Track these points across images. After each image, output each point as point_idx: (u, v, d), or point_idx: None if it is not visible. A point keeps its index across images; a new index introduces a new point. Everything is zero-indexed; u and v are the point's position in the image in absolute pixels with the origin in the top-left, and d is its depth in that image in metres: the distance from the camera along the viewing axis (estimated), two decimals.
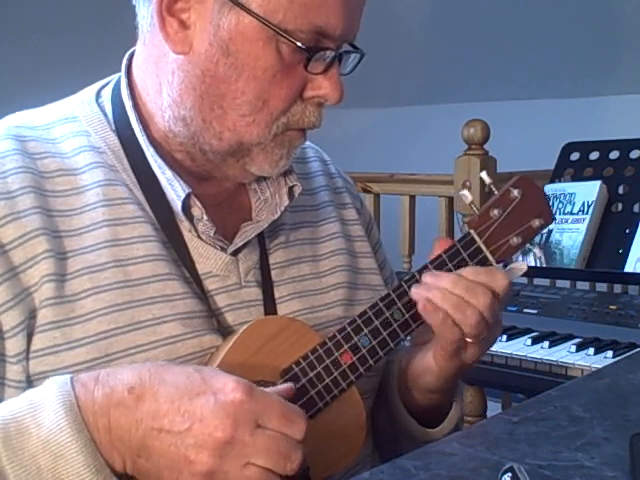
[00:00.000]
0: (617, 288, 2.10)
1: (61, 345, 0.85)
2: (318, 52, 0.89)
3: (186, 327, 0.90)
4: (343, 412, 0.93)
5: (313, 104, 0.92)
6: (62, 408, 0.76)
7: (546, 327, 1.81)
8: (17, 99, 1.51)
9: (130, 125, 0.96)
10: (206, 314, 0.92)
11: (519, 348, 1.73)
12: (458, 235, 2.50)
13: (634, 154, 2.08)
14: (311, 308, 1.01)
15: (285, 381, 0.89)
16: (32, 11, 3.67)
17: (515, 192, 0.99)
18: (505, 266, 1.00)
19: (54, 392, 0.77)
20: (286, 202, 0.99)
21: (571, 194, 2.09)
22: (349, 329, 0.93)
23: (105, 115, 0.98)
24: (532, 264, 2.03)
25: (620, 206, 2.05)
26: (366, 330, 0.94)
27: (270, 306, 0.97)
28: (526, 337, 1.76)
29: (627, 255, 1.92)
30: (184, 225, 0.94)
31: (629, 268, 1.91)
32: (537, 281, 2.18)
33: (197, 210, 0.94)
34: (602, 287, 2.12)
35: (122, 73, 0.99)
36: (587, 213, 2.04)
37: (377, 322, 0.94)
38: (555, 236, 2.06)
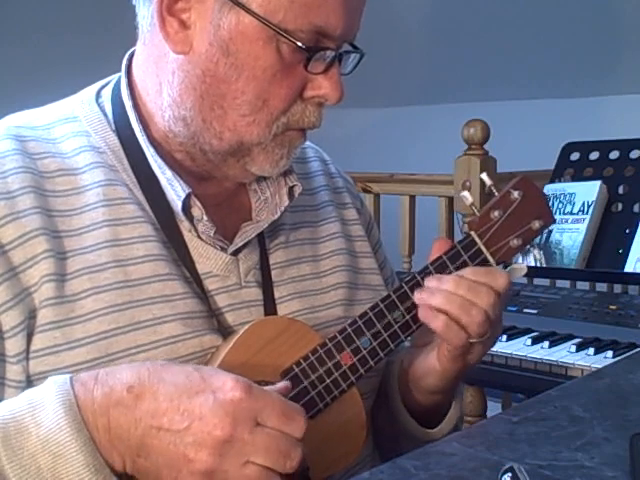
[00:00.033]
0: (617, 288, 2.10)
1: (61, 345, 0.85)
2: (318, 52, 0.89)
3: (186, 327, 0.90)
4: (343, 412, 0.93)
5: (313, 104, 0.92)
6: (61, 407, 0.76)
7: (546, 327, 1.81)
8: (17, 99, 1.51)
9: (130, 125, 0.96)
10: (206, 314, 0.92)
11: (519, 348, 1.73)
12: (458, 235, 2.50)
13: (634, 154, 2.08)
14: (311, 308, 1.01)
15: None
16: (32, 11, 3.67)
17: (515, 194, 0.99)
18: (505, 267, 1.00)
19: (53, 391, 0.77)
20: (286, 202, 0.99)
21: (571, 194, 2.09)
22: (350, 330, 0.93)
23: (105, 115, 0.98)
24: (532, 264, 2.03)
25: (620, 206, 2.05)
26: (367, 331, 0.94)
27: (270, 306, 0.97)
28: (526, 337, 1.76)
29: (627, 255, 1.92)
30: (184, 225, 0.94)
31: (629, 268, 1.91)
32: (537, 281, 2.18)
33: (197, 210, 0.94)
34: (602, 287, 2.12)
35: (122, 73, 0.99)
36: (587, 213, 2.04)
37: (378, 323, 0.94)
38: (555, 236, 2.06)
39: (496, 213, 0.98)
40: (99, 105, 0.99)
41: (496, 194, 1.00)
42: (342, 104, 0.94)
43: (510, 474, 0.69)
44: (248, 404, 0.76)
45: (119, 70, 1.00)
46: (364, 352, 0.93)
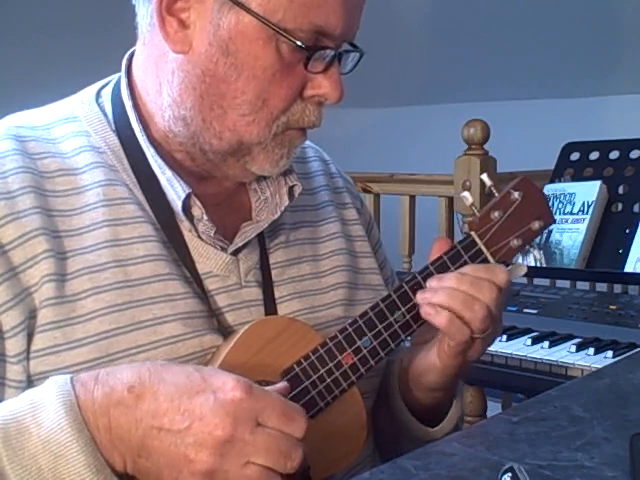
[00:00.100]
0: (617, 288, 2.10)
1: (62, 345, 0.85)
2: (318, 51, 0.89)
3: (187, 327, 0.90)
4: (344, 412, 0.93)
5: (313, 103, 0.92)
6: (62, 408, 0.76)
7: (546, 327, 1.81)
8: (17, 99, 1.51)
9: (130, 125, 0.96)
10: (206, 314, 0.92)
11: (519, 348, 1.73)
12: (458, 235, 2.50)
13: (634, 154, 2.08)
14: (311, 308, 1.01)
15: (286, 381, 0.89)
16: (32, 11, 3.67)
17: (515, 194, 0.99)
18: (507, 267, 1.00)
19: (54, 392, 0.77)
20: (286, 202, 0.99)
21: (571, 194, 2.09)
22: (350, 330, 0.93)
23: (105, 115, 0.98)
24: (532, 264, 2.03)
25: (620, 206, 2.05)
26: (367, 331, 0.94)
27: (270, 306, 0.97)
28: (526, 337, 1.76)
29: (627, 255, 1.92)
30: (184, 225, 0.94)
31: (629, 268, 1.91)
32: (537, 281, 2.18)
33: (197, 210, 0.94)
34: (602, 287, 2.12)
35: (122, 73, 0.99)
36: (587, 213, 2.04)
37: (378, 323, 0.94)
38: (555, 236, 2.06)
39: (496, 213, 0.98)
40: (99, 105, 0.99)
41: (496, 195, 1.00)
42: (342, 104, 0.94)
43: (510, 474, 0.69)
44: (249, 404, 0.76)
45: (119, 70, 1.00)
46: (365, 351, 0.93)
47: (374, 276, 1.11)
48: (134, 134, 0.95)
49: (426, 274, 0.96)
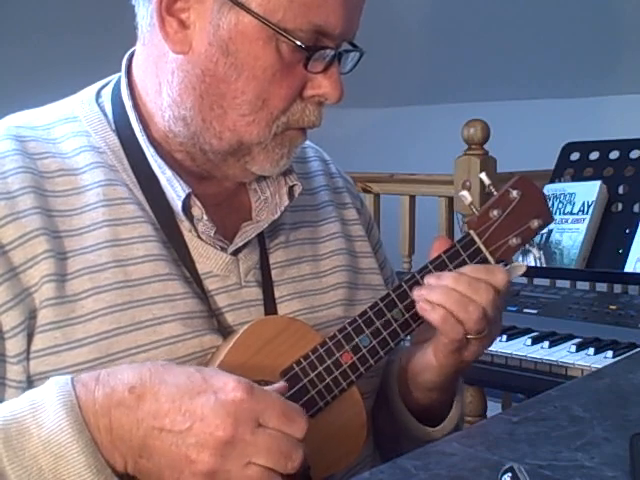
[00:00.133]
0: (617, 288, 2.10)
1: (62, 345, 0.85)
2: (318, 51, 0.89)
3: (186, 327, 0.90)
4: (344, 411, 0.93)
5: (313, 103, 0.92)
6: (63, 408, 0.75)
7: (546, 327, 1.81)
8: (17, 99, 1.51)
9: (130, 125, 0.96)
10: (206, 314, 0.92)
11: (519, 348, 1.73)
12: (458, 235, 2.49)
13: (634, 154, 2.08)
14: (311, 308, 1.01)
15: (286, 381, 0.89)
16: (32, 11, 3.67)
17: (514, 193, 0.99)
18: (505, 266, 1.00)
19: (55, 392, 0.77)
20: (286, 202, 0.99)
21: (571, 194, 2.09)
22: (349, 329, 0.93)
23: (105, 115, 0.98)
24: (532, 264, 2.03)
25: (620, 206, 2.05)
26: (366, 330, 0.94)
27: (270, 306, 0.97)
28: (526, 337, 1.76)
29: (627, 255, 1.92)
30: (184, 225, 0.94)
31: (629, 268, 1.91)
32: (537, 281, 2.18)
33: (197, 210, 0.94)
34: (602, 287, 2.12)
35: (122, 73, 0.99)
36: (587, 213, 2.04)
37: (377, 322, 0.94)
38: (555, 236, 2.06)
39: (495, 212, 0.98)
40: (99, 105, 0.99)
41: (495, 194, 1.00)
42: (342, 104, 0.94)
43: (510, 474, 0.69)
44: (250, 405, 0.76)
45: (119, 70, 1.00)
46: (364, 351, 0.93)
47: (374, 276, 1.11)
48: (134, 134, 0.95)
49: (425, 273, 0.96)
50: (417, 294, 0.94)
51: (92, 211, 0.91)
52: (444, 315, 0.92)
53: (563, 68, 3.91)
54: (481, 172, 1.03)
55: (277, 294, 0.99)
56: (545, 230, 1.91)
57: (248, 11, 0.87)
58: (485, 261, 0.98)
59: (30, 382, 0.85)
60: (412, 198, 2.85)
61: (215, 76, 0.89)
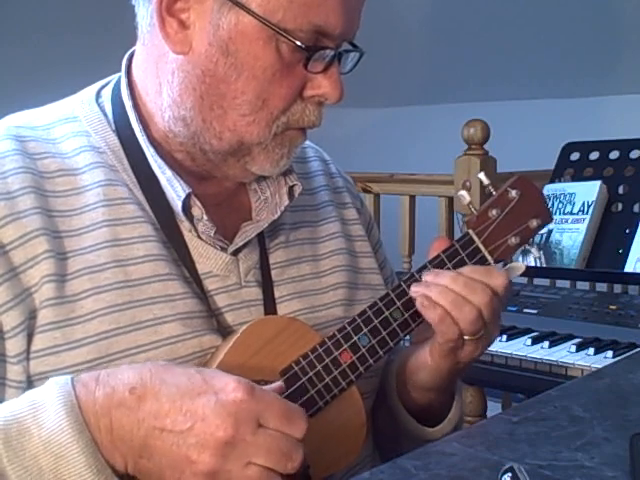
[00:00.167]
0: (617, 288, 2.10)
1: (61, 345, 0.85)
2: (318, 51, 0.89)
3: (186, 327, 0.90)
4: (343, 411, 0.93)
5: (313, 103, 0.92)
6: (63, 409, 0.75)
7: (546, 327, 1.81)
8: (17, 99, 1.51)
9: (130, 125, 0.96)
10: (206, 314, 0.92)
11: (519, 348, 1.73)
12: (458, 235, 2.49)
13: (634, 154, 2.08)
14: (311, 308, 1.01)
15: (285, 380, 0.89)
16: (32, 11, 3.67)
17: (513, 192, 0.99)
18: (505, 266, 1.00)
19: (55, 393, 0.77)
20: (286, 202, 0.99)
21: (571, 194, 2.09)
22: (349, 328, 0.93)
23: (105, 115, 0.98)
24: (532, 264, 2.03)
25: (620, 206, 2.05)
26: (366, 329, 0.94)
27: (270, 306, 0.97)
28: (526, 337, 1.76)
29: (627, 255, 1.92)
30: (184, 225, 0.94)
31: (629, 268, 1.91)
32: (537, 281, 2.18)
33: (197, 210, 0.94)
34: (602, 287, 2.12)
35: (122, 73, 0.99)
36: (587, 213, 2.04)
37: (376, 321, 0.94)
38: (555, 236, 2.06)
39: (494, 212, 0.98)
40: (99, 105, 0.99)
41: (494, 193, 1.00)
42: (342, 104, 0.94)
43: (510, 474, 0.69)
44: (250, 405, 0.76)
45: (119, 70, 1.00)
46: (363, 350, 0.93)
47: (374, 276, 1.11)
48: (134, 134, 0.95)
49: (424, 272, 0.96)
50: (414, 290, 0.94)
51: (92, 211, 0.91)
52: (441, 314, 0.92)
53: (563, 68, 3.91)
54: (480, 172, 1.03)
55: (277, 294, 0.99)
56: (545, 230, 1.92)
57: (248, 11, 0.87)
58: (484, 260, 0.98)
59: (30, 382, 0.85)
60: (412, 198, 2.85)
61: (215, 76, 0.89)
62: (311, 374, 0.90)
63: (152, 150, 0.94)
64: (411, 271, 0.98)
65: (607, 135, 2.28)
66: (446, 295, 0.92)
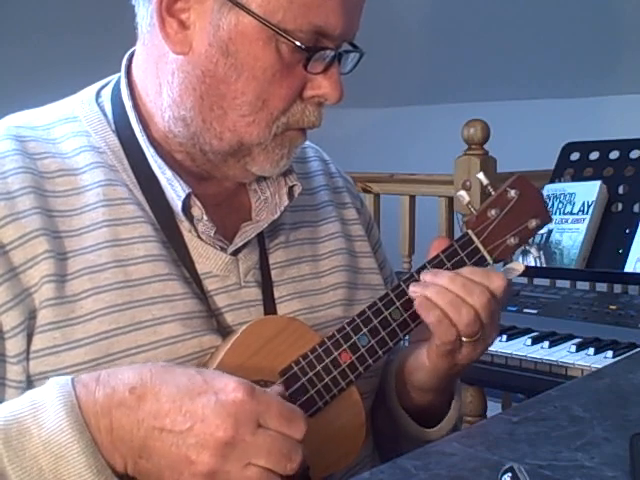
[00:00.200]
0: (617, 288, 2.11)
1: (61, 345, 0.85)
2: (318, 52, 0.89)
3: (186, 327, 0.90)
4: (343, 411, 0.93)
5: (313, 104, 0.92)
6: (63, 409, 0.75)
7: (546, 327, 1.81)
8: (17, 99, 1.51)
9: (130, 125, 0.96)
10: (206, 314, 0.92)
11: (519, 348, 1.73)
12: (458, 235, 2.49)
13: (634, 154, 2.08)
14: (311, 308, 1.01)
15: (285, 380, 0.89)
16: (32, 11, 3.67)
17: (512, 192, 0.99)
18: (504, 266, 1.00)
19: (55, 393, 0.77)
20: (286, 202, 0.99)
21: (571, 194, 2.09)
22: (348, 329, 0.93)
23: (105, 115, 0.98)
24: (531, 264, 2.03)
25: (620, 206, 2.04)
26: (365, 329, 0.94)
27: (270, 306, 0.97)
28: (526, 337, 1.76)
29: (627, 255, 1.92)
30: (184, 225, 0.94)
31: (629, 268, 1.91)
32: (537, 281, 2.18)
33: (197, 210, 0.94)
34: (602, 287, 2.12)
35: (122, 73, 0.99)
36: (587, 213, 2.04)
37: (376, 321, 0.94)
38: (555, 236, 2.06)
39: (493, 212, 0.99)
40: (99, 105, 0.99)
41: (493, 193, 1.00)
42: (342, 104, 0.94)
43: (510, 474, 0.69)
44: (250, 406, 0.76)
45: (119, 70, 1.00)
46: (363, 350, 0.93)
47: (374, 276, 1.11)
48: (134, 134, 0.95)
49: (423, 272, 0.96)
50: (412, 290, 0.94)
51: (92, 211, 0.91)
52: (439, 316, 0.92)
53: (563, 68, 3.91)
54: (479, 172, 1.03)
55: (277, 294, 0.99)
56: (545, 230, 1.92)
57: (248, 12, 0.87)
58: (483, 260, 0.98)
59: (30, 382, 0.85)
60: (412, 198, 2.85)
61: (215, 77, 0.89)
62: (311, 374, 0.90)
63: (152, 150, 0.94)
64: (411, 271, 0.98)
65: (607, 135, 2.27)
66: (444, 296, 0.92)
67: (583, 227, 2.03)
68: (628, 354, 1.50)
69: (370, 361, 0.94)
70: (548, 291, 1.97)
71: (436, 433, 1.03)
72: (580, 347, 1.68)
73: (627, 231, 1.97)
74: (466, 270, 0.95)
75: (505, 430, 0.85)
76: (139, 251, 0.91)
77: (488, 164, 2.45)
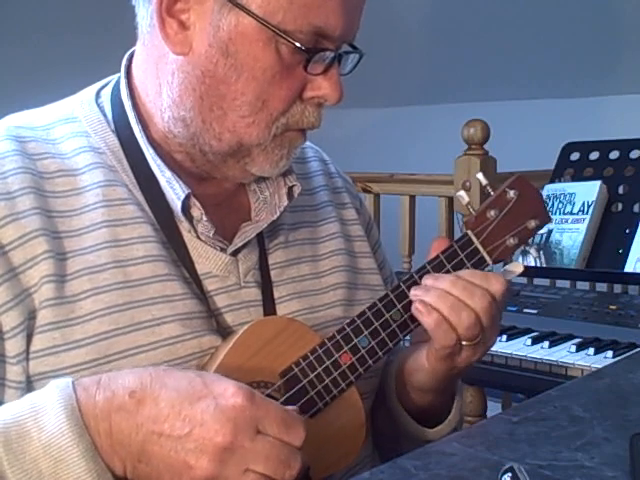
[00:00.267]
0: (617, 288, 2.10)
1: (61, 346, 0.85)
2: (318, 53, 0.89)
3: (185, 328, 0.90)
4: (343, 412, 0.93)
5: (313, 104, 0.92)
6: (63, 412, 0.75)
7: (546, 327, 1.81)
8: (17, 99, 1.51)
9: (130, 126, 0.96)
10: (205, 315, 0.92)
11: (519, 348, 1.73)
12: (458, 235, 2.49)
13: (634, 154, 2.08)
14: (310, 308, 1.01)
15: (285, 382, 0.89)
16: (32, 11, 3.67)
17: (511, 193, 0.99)
18: (504, 266, 1.00)
19: (56, 396, 0.77)
20: (285, 202, 0.99)
21: (571, 194, 2.09)
22: (348, 330, 0.93)
23: (105, 115, 0.98)
24: (531, 264, 2.03)
25: (620, 206, 2.04)
26: (365, 330, 0.94)
27: (269, 306, 0.97)
28: (526, 337, 1.76)
29: (627, 255, 1.92)
30: (184, 225, 0.94)
31: (629, 268, 1.91)
32: (537, 281, 2.18)
33: (196, 210, 0.94)
34: (602, 287, 2.12)
35: (122, 73, 0.99)
36: (587, 213, 2.03)
37: (376, 322, 0.94)
38: (555, 236, 2.06)
39: (492, 212, 0.98)
40: (99, 105, 0.99)
41: (492, 194, 1.00)
42: (342, 104, 0.94)
43: (510, 474, 0.69)
44: (250, 412, 0.76)
45: (119, 70, 1.00)
46: (363, 351, 0.93)
47: (373, 276, 1.11)
48: (133, 135, 0.95)
49: (423, 273, 0.96)
50: (413, 293, 0.94)
51: (92, 212, 0.91)
52: (437, 320, 0.92)
53: (563, 68, 3.91)
54: (479, 172, 1.03)
55: (276, 294, 0.99)
56: (545, 230, 1.92)
57: (248, 12, 0.87)
58: (483, 261, 0.98)
59: (29, 383, 0.85)
60: (412, 198, 2.85)
61: (215, 77, 0.89)
62: (311, 376, 0.90)
63: (152, 151, 0.94)
64: (411, 271, 0.98)
65: (607, 135, 2.27)
66: (445, 299, 0.92)
67: (583, 227, 2.02)
68: (628, 354, 1.49)
69: (370, 362, 0.94)
70: (548, 291, 1.97)
71: (436, 434, 1.03)
72: (580, 347, 1.68)
73: (627, 231, 1.97)
74: (467, 273, 0.95)
75: (505, 430, 0.85)
76: (139, 251, 0.91)
77: (488, 164, 2.45)
